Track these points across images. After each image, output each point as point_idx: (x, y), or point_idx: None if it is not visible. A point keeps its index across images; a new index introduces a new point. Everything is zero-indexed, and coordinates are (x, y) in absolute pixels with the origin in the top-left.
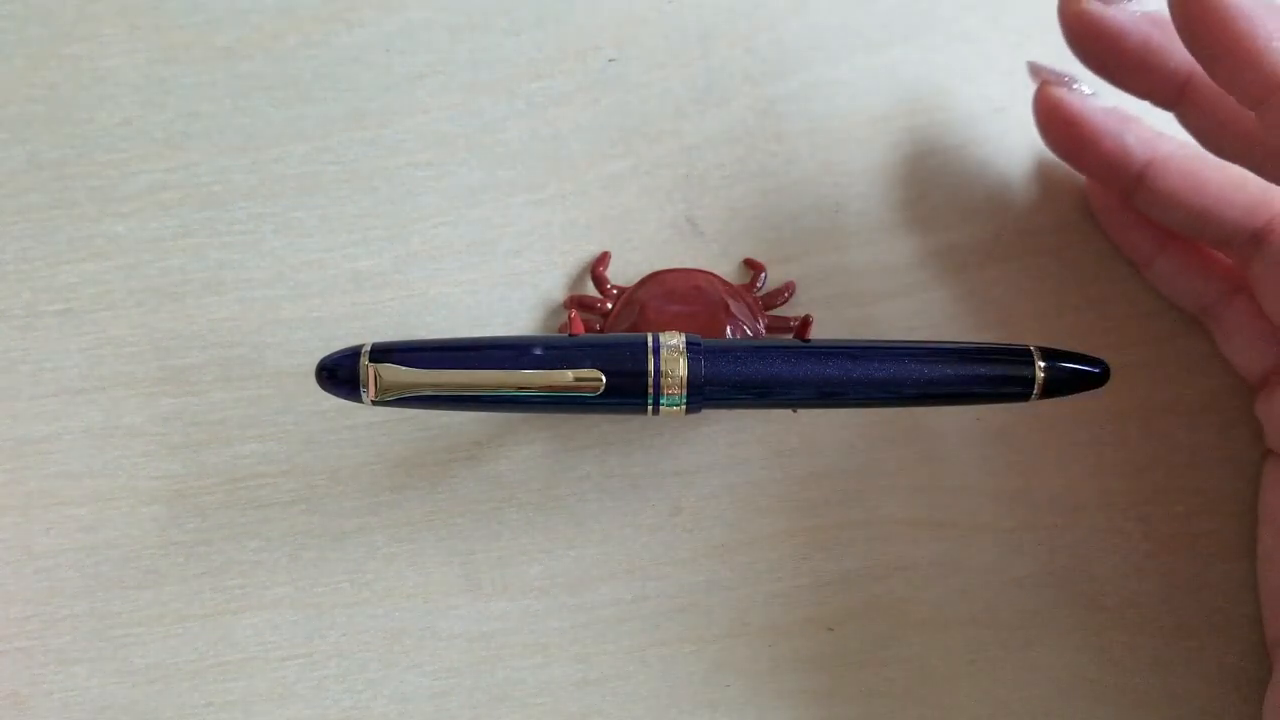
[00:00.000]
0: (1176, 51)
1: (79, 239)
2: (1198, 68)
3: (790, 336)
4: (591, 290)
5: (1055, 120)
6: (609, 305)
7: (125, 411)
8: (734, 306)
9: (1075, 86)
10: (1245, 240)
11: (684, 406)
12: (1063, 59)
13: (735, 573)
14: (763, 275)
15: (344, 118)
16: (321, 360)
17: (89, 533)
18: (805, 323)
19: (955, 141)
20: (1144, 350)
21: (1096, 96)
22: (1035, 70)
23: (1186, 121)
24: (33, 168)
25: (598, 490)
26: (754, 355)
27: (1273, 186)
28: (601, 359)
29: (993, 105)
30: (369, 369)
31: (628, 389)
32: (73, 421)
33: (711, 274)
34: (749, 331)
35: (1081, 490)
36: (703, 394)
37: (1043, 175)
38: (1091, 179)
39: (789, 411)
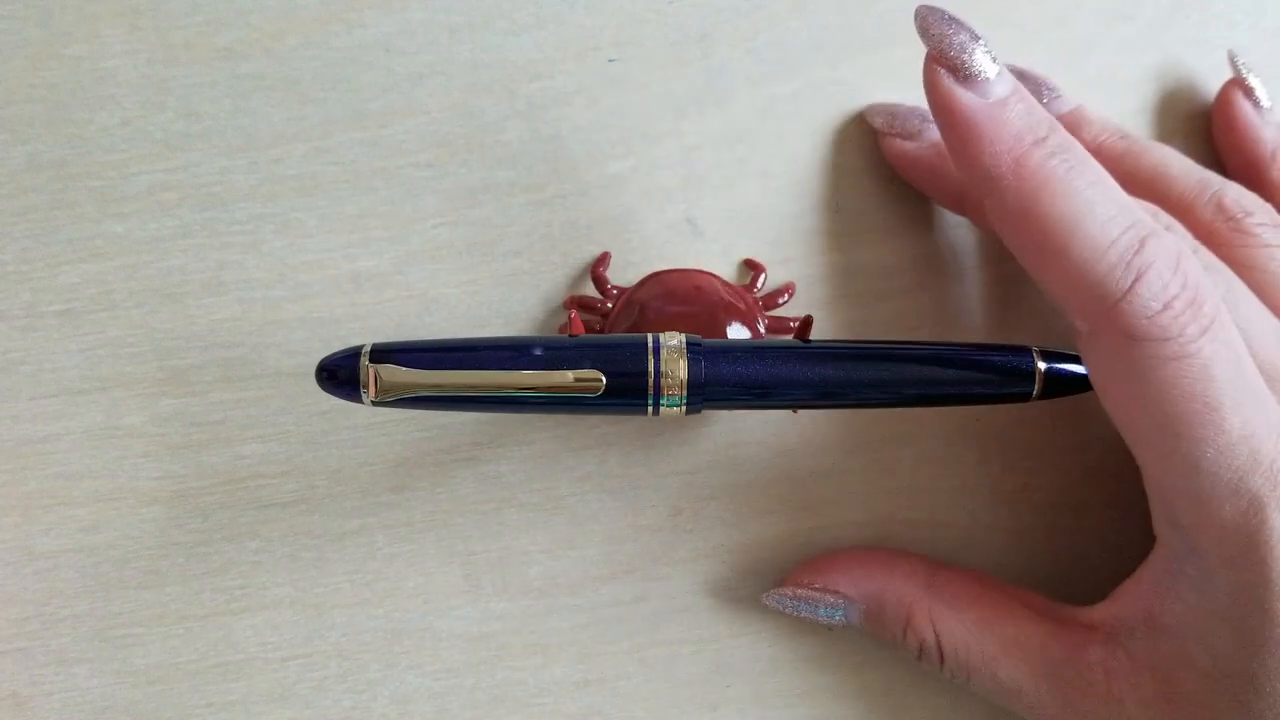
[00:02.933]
0: (951, 174)
1: (79, 239)
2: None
3: (790, 337)
4: (591, 290)
5: (896, 160)
6: (609, 306)
7: (125, 412)
8: (734, 307)
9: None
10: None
11: (684, 407)
12: (1060, 59)
13: (735, 573)
14: (763, 275)
15: (344, 118)
16: (321, 361)
17: (89, 533)
18: (805, 323)
19: None
20: None
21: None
22: (871, 115)
23: (974, 220)
24: (33, 168)
25: (598, 490)
26: (754, 356)
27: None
28: (601, 360)
29: None
30: (369, 370)
31: (628, 390)
32: (73, 422)
33: (711, 274)
34: (749, 332)
35: (1081, 490)
36: (703, 395)
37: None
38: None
39: (789, 412)
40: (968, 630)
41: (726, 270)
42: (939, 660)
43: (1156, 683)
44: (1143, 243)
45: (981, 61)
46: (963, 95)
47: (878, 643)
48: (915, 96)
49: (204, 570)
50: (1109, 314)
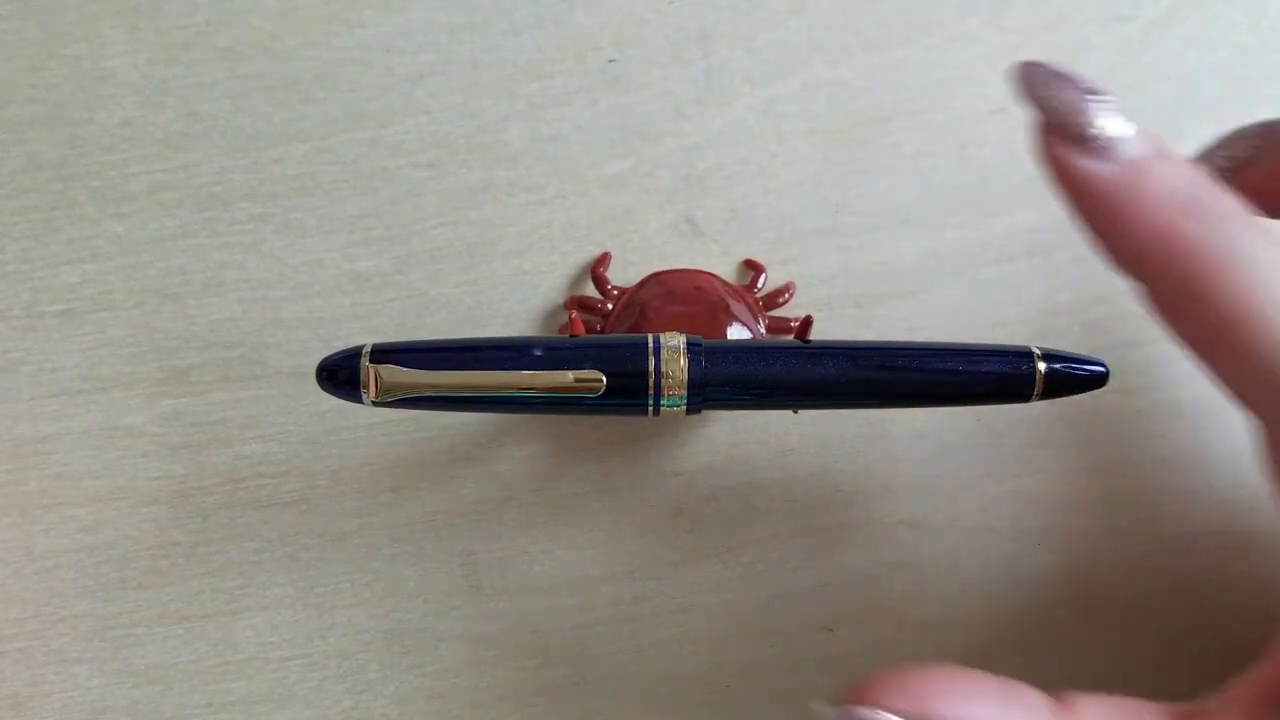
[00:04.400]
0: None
1: (79, 239)
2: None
3: (790, 337)
4: (591, 291)
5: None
6: (609, 306)
7: (125, 412)
8: (734, 307)
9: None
10: None
11: (684, 407)
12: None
13: (735, 573)
14: (763, 276)
15: (344, 118)
16: (322, 361)
17: (89, 533)
18: (805, 323)
19: (955, 141)
20: (1144, 350)
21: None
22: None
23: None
24: (33, 168)
25: (598, 490)
26: (754, 356)
27: None
28: (602, 360)
29: (993, 105)
30: (369, 370)
31: (628, 390)
32: (73, 422)
33: (711, 274)
34: (749, 332)
35: (1081, 490)
36: (703, 395)
37: (1042, 175)
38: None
39: (789, 412)
40: None
41: (726, 270)
42: None
43: None
44: None
45: (1105, 121)
46: (1087, 167)
47: (877, 644)
48: (915, 96)
49: (204, 570)
50: None
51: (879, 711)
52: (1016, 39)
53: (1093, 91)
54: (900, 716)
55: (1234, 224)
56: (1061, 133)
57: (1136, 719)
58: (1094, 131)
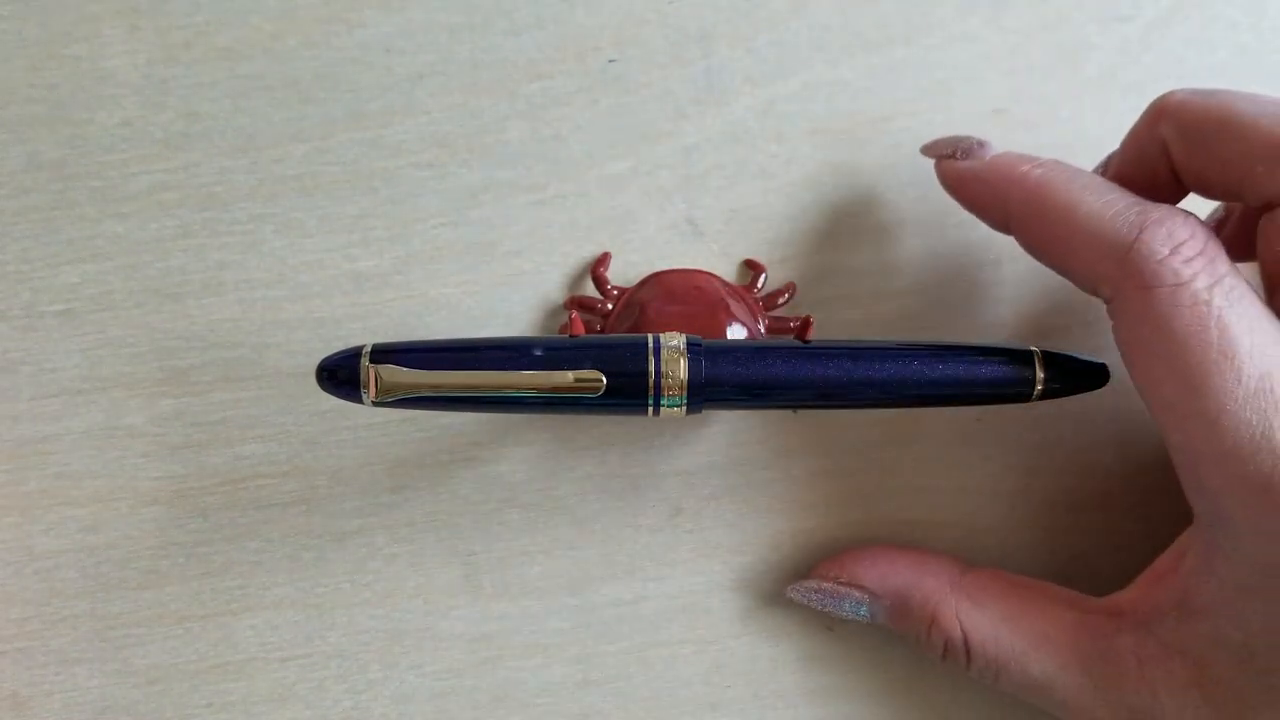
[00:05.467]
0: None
1: (79, 239)
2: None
3: (790, 337)
4: (591, 291)
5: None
6: (609, 306)
7: (126, 412)
8: (734, 307)
9: (966, 149)
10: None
11: (684, 407)
12: (1059, 60)
13: (735, 573)
14: (763, 276)
15: (344, 118)
16: (322, 361)
17: (89, 533)
18: (805, 324)
19: None
20: None
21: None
22: (929, 150)
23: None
24: (33, 168)
25: (598, 490)
26: (754, 356)
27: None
28: (602, 360)
29: (993, 105)
30: (369, 370)
31: (628, 390)
32: (73, 422)
33: (711, 274)
34: (749, 332)
35: (1081, 490)
36: (703, 395)
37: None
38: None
39: (789, 412)
40: (995, 626)
41: (726, 270)
42: (965, 658)
43: (1188, 667)
44: (1145, 207)
45: (971, 145)
46: (967, 164)
47: (877, 643)
48: (915, 96)
49: (204, 570)
50: (1122, 264)
51: (822, 581)
52: (1016, 39)
53: (961, 138)
54: (837, 583)
55: (1054, 165)
56: (949, 153)
57: (1018, 596)
58: (965, 147)
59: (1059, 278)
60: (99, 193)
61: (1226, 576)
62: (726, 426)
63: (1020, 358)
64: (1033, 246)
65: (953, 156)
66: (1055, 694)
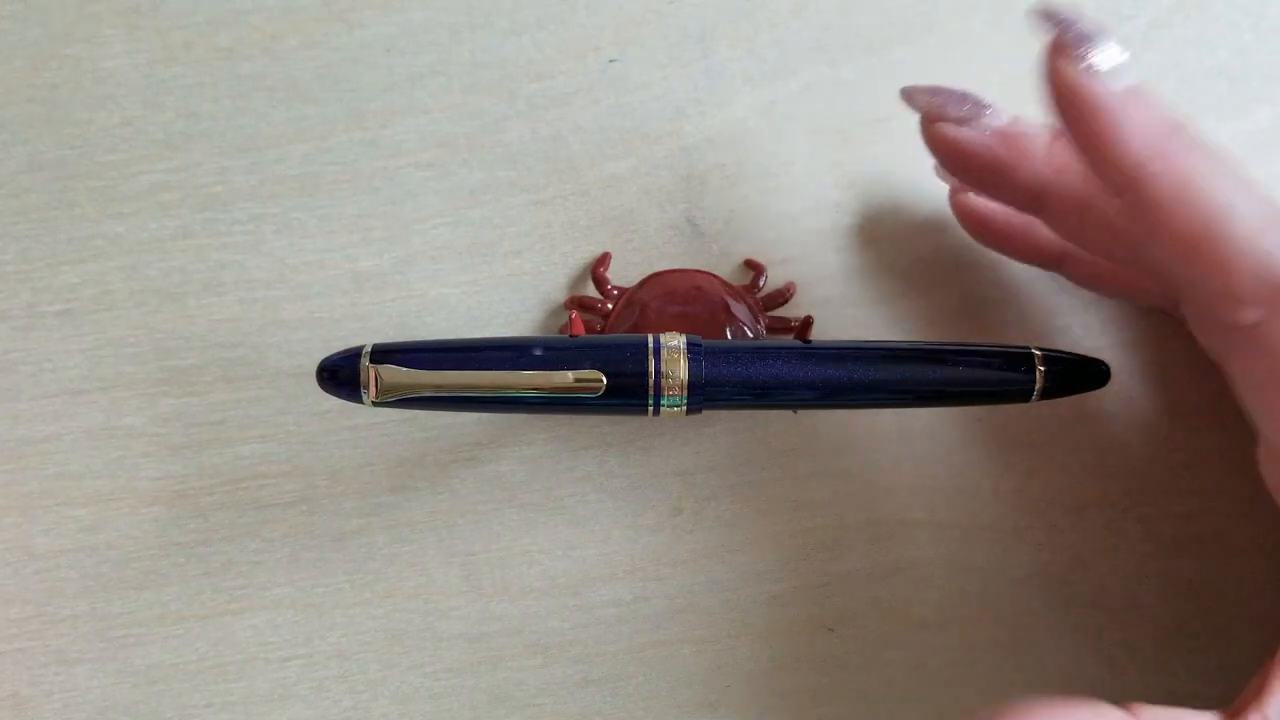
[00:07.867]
0: (1026, 167)
1: (79, 239)
2: (1053, 178)
3: (791, 337)
4: (592, 291)
5: (967, 219)
6: (609, 306)
7: (126, 412)
8: (734, 307)
9: (967, 111)
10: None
11: (684, 407)
12: None
13: (735, 573)
14: (763, 276)
15: (344, 118)
16: (322, 361)
17: (89, 533)
18: (806, 323)
19: None
20: (1143, 350)
21: (993, 111)
22: (909, 96)
23: (1051, 225)
24: (33, 168)
25: (598, 490)
26: (754, 356)
27: None
28: (602, 360)
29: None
30: (370, 370)
31: (628, 390)
32: (73, 422)
33: (712, 274)
34: (749, 332)
35: (1081, 490)
36: (703, 395)
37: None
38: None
39: (789, 412)
40: None
41: (726, 270)
42: None
43: None
44: None
45: (1110, 49)
46: (1101, 85)
47: (878, 643)
48: None
49: (204, 570)
50: None
51: None
52: (1016, 39)
53: (1099, 29)
54: None
55: (1210, 147)
56: (1072, 53)
57: None
58: (1100, 54)
59: (1059, 278)
60: (99, 193)
61: None
62: (726, 426)
63: (1020, 358)
64: (1152, 234)
65: (1079, 58)
66: None
